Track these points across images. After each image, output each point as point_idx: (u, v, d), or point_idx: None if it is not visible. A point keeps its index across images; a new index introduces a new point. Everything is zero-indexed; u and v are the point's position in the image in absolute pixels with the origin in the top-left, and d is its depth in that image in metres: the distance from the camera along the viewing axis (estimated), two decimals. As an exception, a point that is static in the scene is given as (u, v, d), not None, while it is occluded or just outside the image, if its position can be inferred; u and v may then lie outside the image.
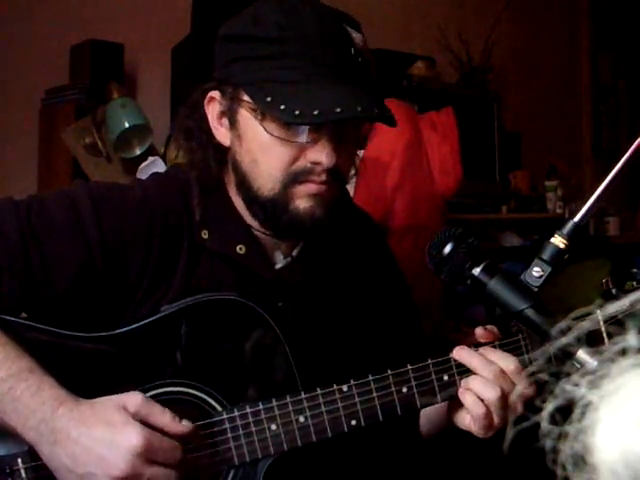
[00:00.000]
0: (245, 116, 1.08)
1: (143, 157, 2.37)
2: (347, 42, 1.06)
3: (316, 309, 1.19)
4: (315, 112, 0.99)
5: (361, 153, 2.05)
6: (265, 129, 1.05)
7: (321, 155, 1.04)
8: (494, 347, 1.07)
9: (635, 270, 1.04)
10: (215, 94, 1.12)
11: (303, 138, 1.04)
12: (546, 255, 0.93)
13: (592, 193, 0.94)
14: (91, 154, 2.43)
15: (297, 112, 0.99)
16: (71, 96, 2.49)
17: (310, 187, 1.07)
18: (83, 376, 0.99)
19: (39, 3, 2.57)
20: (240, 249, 1.13)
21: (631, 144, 0.95)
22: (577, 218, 0.93)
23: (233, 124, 1.10)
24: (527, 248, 3.40)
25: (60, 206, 1.06)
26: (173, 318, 1.03)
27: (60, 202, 1.07)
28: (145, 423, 0.92)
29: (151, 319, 1.03)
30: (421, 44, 3.48)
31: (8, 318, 0.99)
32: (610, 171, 0.95)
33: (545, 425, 0.52)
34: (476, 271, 0.95)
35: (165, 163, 2.26)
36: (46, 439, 0.92)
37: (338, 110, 0.99)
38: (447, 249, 0.97)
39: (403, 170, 2.38)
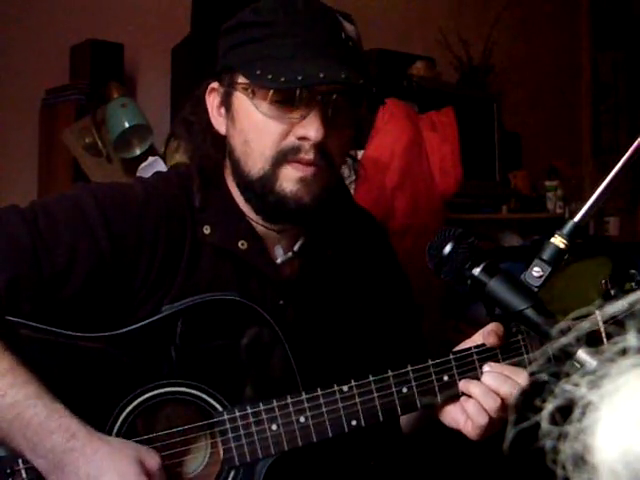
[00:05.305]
0: (239, 97, 1.10)
1: (143, 157, 2.37)
2: (337, 27, 1.10)
3: (317, 307, 1.19)
4: (299, 77, 1.01)
5: (361, 154, 2.07)
6: (256, 107, 1.07)
7: (309, 130, 1.05)
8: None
9: (634, 271, 1.04)
10: (215, 85, 1.15)
11: (292, 114, 1.06)
12: (546, 255, 0.93)
13: (592, 193, 0.94)
14: (91, 154, 2.42)
15: (282, 79, 1.02)
16: (71, 96, 2.48)
17: (298, 168, 1.07)
18: (83, 377, 0.99)
19: (39, 3, 2.56)
20: (242, 244, 1.13)
21: (631, 144, 0.96)
22: (577, 218, 0.93)
23: (229, 109, 1.13)
24: (527, 248, 3.39)
25: (65, 209, 1.06)
26: (173, 318, 1.03)
27: (64, 205, 1.07)
28: None
29: (151, 319, 1.03)
30: (421, 44, 3.48)
31: (8, 318, 0.98)
32: (610, 171, 0.95)
33: (545, 425, 0.52)
34: (476, 271, 0.95)
35: (165, 163, 2.26)
36: (54, 470, 0.91)
37: (322, 75, 1.01)
38: (447, 249, 0.97)
39: (403, 170, 2.38)
